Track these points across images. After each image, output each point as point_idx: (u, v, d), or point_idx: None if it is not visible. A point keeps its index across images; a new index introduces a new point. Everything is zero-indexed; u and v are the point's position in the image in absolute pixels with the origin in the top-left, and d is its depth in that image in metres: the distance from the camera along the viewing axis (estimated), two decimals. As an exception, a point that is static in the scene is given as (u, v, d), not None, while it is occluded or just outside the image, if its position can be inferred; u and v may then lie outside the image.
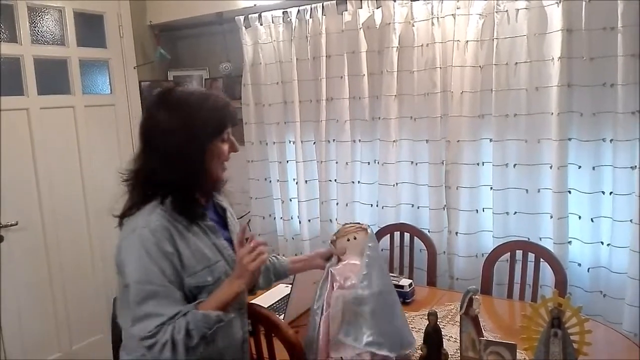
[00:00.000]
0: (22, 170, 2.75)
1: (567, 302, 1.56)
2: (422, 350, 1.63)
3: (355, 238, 1.61)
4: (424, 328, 1.65)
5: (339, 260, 1.62)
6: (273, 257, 1.84)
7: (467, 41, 2.47)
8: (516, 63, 2.39)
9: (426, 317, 1.64)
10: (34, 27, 2.80)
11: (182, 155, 1.31)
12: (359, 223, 1.65)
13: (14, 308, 2.70)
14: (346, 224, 1.67)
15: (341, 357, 1.51)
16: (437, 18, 2.50)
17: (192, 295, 1.35)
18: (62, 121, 2.93)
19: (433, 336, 1.62)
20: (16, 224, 2.69)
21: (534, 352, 1.58)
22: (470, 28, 2.46)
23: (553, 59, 2.28)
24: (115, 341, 2.25)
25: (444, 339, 1.64)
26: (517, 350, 1.54)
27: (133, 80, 3.30)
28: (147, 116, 1.39)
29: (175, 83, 2.92)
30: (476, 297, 1.71)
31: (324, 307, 1.53)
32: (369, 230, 1.62)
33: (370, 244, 1.56)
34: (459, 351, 1.75)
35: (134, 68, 3.29)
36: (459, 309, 1.73)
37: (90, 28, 3.10)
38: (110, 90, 3.23)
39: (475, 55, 2.46)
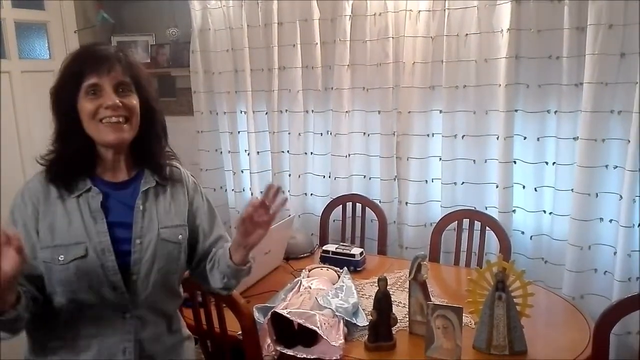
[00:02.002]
0: (-48, 139, 2.57)
1: (511, 266, 1.61)
2: (372, 316, 1.65)
3: (327, 269, 2.09)
4: (373, 294, 1.69)
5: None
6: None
7: (420, 11, 2.46)
8: (466, 34, 2.41)
9: (376, 284, 1.66)
10: (-38, -16, 2.59)
11: (54, 118, 1.22)
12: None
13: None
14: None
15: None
16: (390, -14, 2.48)
17: (47, 276, 1.16)
18: (-4, 87, 2.76)
19: (383, 301, 1.65)
20: (-53, 196, 2.52)
21: (479, 315, 1.64)
22: (422, -3, 2.45)
23: (502, 30, 2.31)
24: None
25: (393, 305, 1.67)
26: (463, 314, 1.59)
27: (74, 45, 3.10)
28: None
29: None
30: (424, 263, 1.74)
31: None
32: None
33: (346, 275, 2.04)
34: (407, 316, 1.79)
35: (75, 32, 3.11)
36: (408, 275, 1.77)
37: (26, -12, 2.90)
38: (50, 55, 3.05)
39: (427, 26, 2.47)
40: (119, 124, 1.15)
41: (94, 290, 1.15)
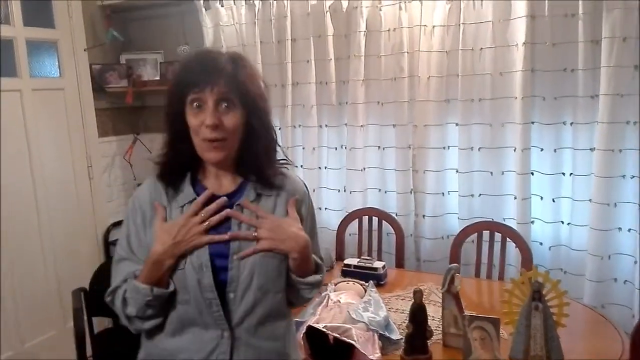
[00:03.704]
0: (-35, 158, 2.55)
1: (547, 276, 1.61)
2: (408, 329, 1.64)
3: (354, 283, 2.05)
4: (400, 308, 1.69)
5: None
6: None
7: (434, 26, 2.50)
8: (481, 48, 2.45)
9: (401, 298, 1.66)
10: (-25, 3, 2.59)
11: (165, 123, 1.20)
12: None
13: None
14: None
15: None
16: (404, 2, 2.52)
17: None
18: (8, 105, 2.73)
19: (418, 314, 1.64)
20: (-40, 216, 2.49)
21: (514, 326, 1.63)
22: (437, 13, 2.50)
23: (517, 44, 2.36)
24: (78, 332, 2.15)
25: (422, 317, 1.67)
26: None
27: (83, 63, 3.12)
28: None
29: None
30: (457, 274, 1.75)
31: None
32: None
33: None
34: (438, 329, 1.78)
35: (85, 50, 3.11)
36: (433, 288, 1.77)
37: (38, 7, 2.90)
38: (60, 73, 3.04)
39: (442, 41, 2.51)
40: (217, 143, 1.13)
41: (191, 304, 1.13)
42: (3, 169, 2.69)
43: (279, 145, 1.26)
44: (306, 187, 1.32)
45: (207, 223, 1.14)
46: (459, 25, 2.45)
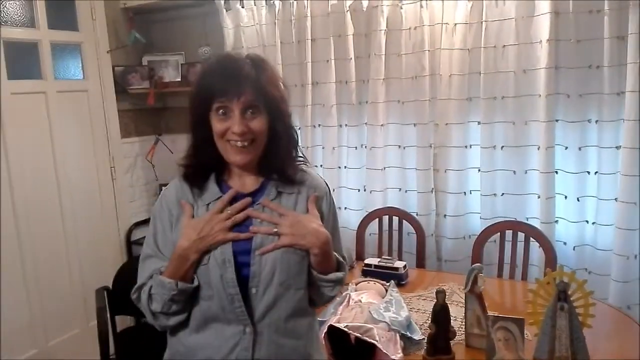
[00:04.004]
0: (-9, 159, 2.60)
1: (573, 276, 1.59)
2: (430, 329, 1.63)
3: (375, 283, 2.04)
4: (422, 308, 1.67)
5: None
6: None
7: (456, 24, 2.48)
8: (504, 46, 2.42)
9: (422, 298, 1.65)
10: (2, 7, 2.64)
11: (189, 128, 1.23)
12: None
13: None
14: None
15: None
16: (425, 1, 2.51)
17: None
18: (33, 107, 2.78)
19: (441, 314, 1.63)
20: (-13, 216, 2.54)
21: (539, 326, 1.61)
22: (458, 11, 2.47)
23: (541, 41, 2.32)
24: (101, 330, 2.18)
25: (446, 317, 1.65)
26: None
27: (106, 65, 3.16)
28: None
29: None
30: (480, 274, 1.73)
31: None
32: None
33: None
34: (460, 329, 1.77)
35: (107, 52, 3.16)
36: (455, 288, 1.75)
37: (62, 10, 2.94)
38: (83, 75, 3.09)
39: (464, 38, 2.48)
40: (244, 148, 1.16)
41: (214, 300, 1.15)
42: (29, 170, 2.75)
43: (298, 148, 1.28)
44: (327, 185, 1.33)
45: (231, 220, 1.16)
46: (482, 22, 2.42)
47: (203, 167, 1.23)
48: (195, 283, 1.16)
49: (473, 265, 1.73)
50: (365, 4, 2.65)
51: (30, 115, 2.77)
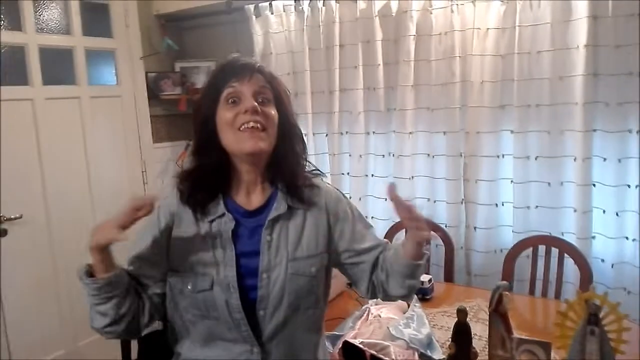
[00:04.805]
0: (26, 162, 2.67)
1: (605, 297, 1.48)
2: (450, 349, 1.56)
3: None
4: (446, 325, 1.61)
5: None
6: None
7: (488, 29, 2.39)
8: (539, 51, 2.31)
9: (447, 315, 1.58)
10: (38, 15, 2.72)
11: (194, 132, 1.20)
12: None
13: (17, 304, 2.62)
14: None
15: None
16: (457, 5, 2.43)
17: (175, 299, 1.19)
18: (67, 112, 2.85)
19: (462, 334, 1.55)
20: (20, 217, 2.61)
21: (567, 351, 1.51)
22: (491, 15, 2.39)
23: (578, 47, 2.21)
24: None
25: (470, 337, 1.57)
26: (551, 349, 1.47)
27: (139, 71, 3.22)
28: None
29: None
30: (506, 293, 1.64)
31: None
32: None
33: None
34: (485, 349, 1.68)
35: (140, 59, 3.21)
36: (483, 305, 1.67)
37: (96, 17, 3.02)
38: (117, 81, 3.15)
39: (496, 44, 2.39)
40: (256, 130, 1.11)
41: (220, 321, 1.13)
42: (62, 173, 2.81)
43: (306, 154, 1.26)
44: (341, 192, 1.31)
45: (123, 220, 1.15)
46: (515, 27, 2.32)
47: (207, 179, 1.18)
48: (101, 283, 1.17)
49: (498, 283, 1.64)
50: (394, 8, 2.59)
51: (64, 120, 2.84)
